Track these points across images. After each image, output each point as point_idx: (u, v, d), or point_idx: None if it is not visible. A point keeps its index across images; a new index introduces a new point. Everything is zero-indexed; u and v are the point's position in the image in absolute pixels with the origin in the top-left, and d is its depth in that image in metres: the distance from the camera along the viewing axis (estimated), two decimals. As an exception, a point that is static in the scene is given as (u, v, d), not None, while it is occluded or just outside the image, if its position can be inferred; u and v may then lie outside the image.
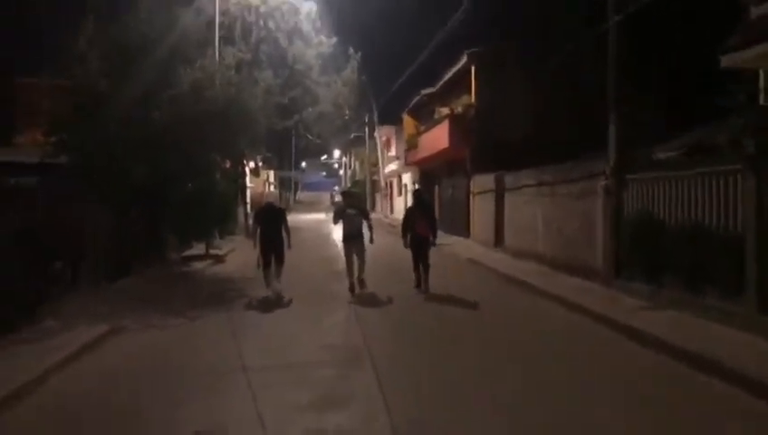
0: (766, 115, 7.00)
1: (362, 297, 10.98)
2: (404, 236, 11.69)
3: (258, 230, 11.17)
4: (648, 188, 9.80)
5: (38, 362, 6.50)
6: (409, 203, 36.25)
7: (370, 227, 11.62)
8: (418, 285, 11.59)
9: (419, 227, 11.44)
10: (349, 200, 12.25)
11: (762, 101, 9.15)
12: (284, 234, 11.16)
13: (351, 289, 11.37)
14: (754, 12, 7.82)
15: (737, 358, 6.15)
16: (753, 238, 7.15)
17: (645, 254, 9.75)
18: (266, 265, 11.07)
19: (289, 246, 11.26)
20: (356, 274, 11.40)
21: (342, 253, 11.74)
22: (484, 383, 6.09)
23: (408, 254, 11.79)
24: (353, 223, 11.35)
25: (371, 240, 11.57)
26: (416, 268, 11.69)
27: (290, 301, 10.72)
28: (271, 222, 11.10)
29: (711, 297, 8.03)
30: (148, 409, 5.46)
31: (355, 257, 11.38)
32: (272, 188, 46.63)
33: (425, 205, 12.27)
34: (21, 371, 6.20)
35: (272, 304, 10.54)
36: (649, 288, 9.47)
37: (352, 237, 11.35)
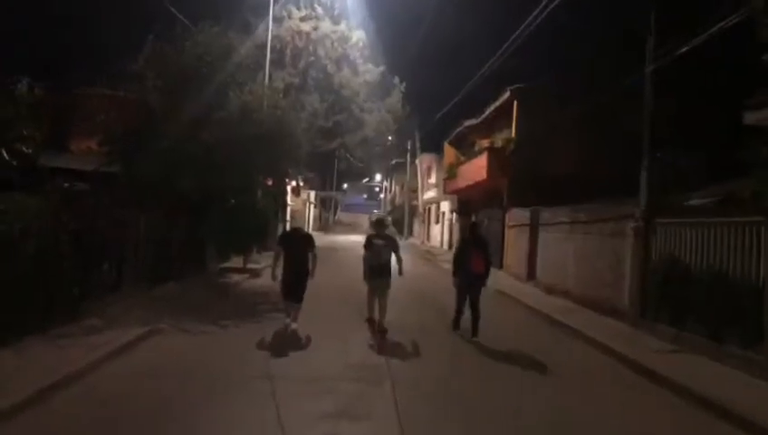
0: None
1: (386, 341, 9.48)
2: (455, 272, 10.23)
3: (282, 257, 9.80)
4: (676, 234, 9.95)
5: (80, 357, 6.98)
6: (448, 231, 36.44)
7: (399, 259, 10.28)
8: (457, 327, 10.33)
9: (474, 264, 9.98)
10: (379, 229, 10.65)
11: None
12: (311, 262, 9.74)
13: (372, 331, 9.99)
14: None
15: (750, 405, 6.27)
16: (773, 289, 7.26)
17: (670, 296, 9.86)
18: (286, 296, 9.65)
19: (312, 276, 9.73)
20: (377, 316, 10.07)
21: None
22: (499, 403, 6.31)
23: (446, 286, 10.86)
24: (380, 255, 9.99)
25: (400, 272, 10.22)
26: (459, 309, 10.31)
27: (308, 339, 9.25)
28: (296, 248, 9.75)
29: (732, 344, 8.12)
30: (176, 407, 5.88)
31: (378, 297, 10.10)
32: (312, 208, 47.45)
33: (481, 239, 10.83)
34: (63, 364, 6.67)
35: (288, 340, 9.05)
36: (673, 331, 9.56)
37: (377, 273, 10.00)
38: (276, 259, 10.01)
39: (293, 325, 9.38)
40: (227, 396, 6.26)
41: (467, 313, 10.15)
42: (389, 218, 43.99)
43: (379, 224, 10.88)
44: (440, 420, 5.97)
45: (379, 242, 10.14)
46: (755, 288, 7.66)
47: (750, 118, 7.91)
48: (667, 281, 9.95)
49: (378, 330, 9.83)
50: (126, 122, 13.46)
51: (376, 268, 10.02)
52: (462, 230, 30.52)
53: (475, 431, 5.71)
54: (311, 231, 46.39)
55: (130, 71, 13.09)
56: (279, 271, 9.81)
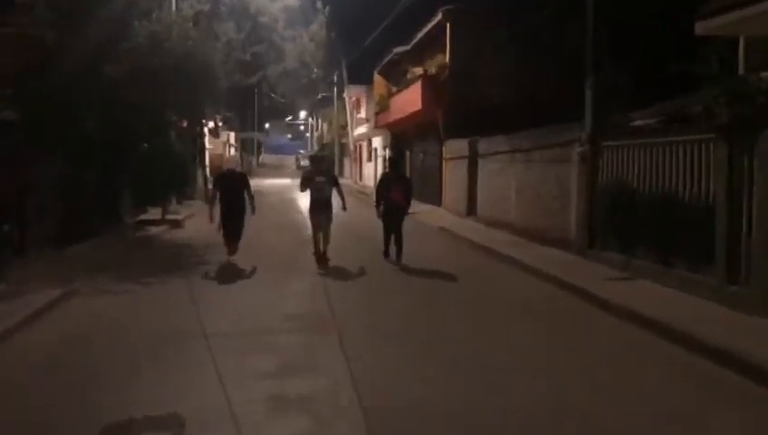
0: (741, 84, 7.30)
1: (330, 268, 10.98)
2: (377, 205, 11.70)
3: (218, 197, 11.28)
4: (624, 156, 10.15)
5: (-13, 327, 6.59)
6: (381, 169, 36.41)
7: (341, 194, 11.47)
8: (387, 255, 11.74)
9: (394, 196, 11.48)
10: (317, 165, 11.90)
11: (741, 70, 9.50)
12: (247, 201, 11.30)
13: (318, 260, 11.18)
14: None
15: (696, 326, 6.57)
16: (723, 209, 7.53)
17: (618, 223, 10.15)
18: (227, 235, 11.25)
19: (252, 212, 11.44)
20: (321, 243, 11.24)
21: (308, 220, 11.60)
22: (450, 348, 6.42)
23: (380, 223, 11.84)
24: (322, 191, 11.05)
25: (344, 207, 11.71)
26: (387, 238, 11.77)
27: (253, 269, 10.82)
28: (232, 189, 11.21)
29: (681, 268, 8.45)
30: (101, 376, 5.58)
31: (321, 228, 11.20)
32: (233, 150, 46.34)
33: (400, 172, 12.14)
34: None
35: (233, 272, 10.68)
36: (622, 258, 9.89)
37: (320, 206, 11.08)
38: (213, 200, 11.41)
39: (232, 258, 11.17)
40: (159, 359, 6.04)
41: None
42: (326, 153, 43.58)
43: (318, 159, 12.28)
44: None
45: (319, 178, 11.07)
46: (705, 209, 7.93)
47: (702, 27, 8.00)
48: (615, 207, 10.20)
49: (322, 257, 11.13)
50: (16, 61, 12.51)
51: (316, 203, 11.05)
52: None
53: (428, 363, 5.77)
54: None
55: (17, 1, 12.10)
56: (216, 212, 11.19)
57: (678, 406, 4.98)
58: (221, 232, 11.28)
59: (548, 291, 9.44)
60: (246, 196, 11.28)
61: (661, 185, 9.02)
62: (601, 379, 5.58)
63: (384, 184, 11.84)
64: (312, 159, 13.10)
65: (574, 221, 11.60)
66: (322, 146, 58.08)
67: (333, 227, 11.40)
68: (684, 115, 9.44)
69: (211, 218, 11.31)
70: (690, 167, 8.33)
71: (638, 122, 10.83)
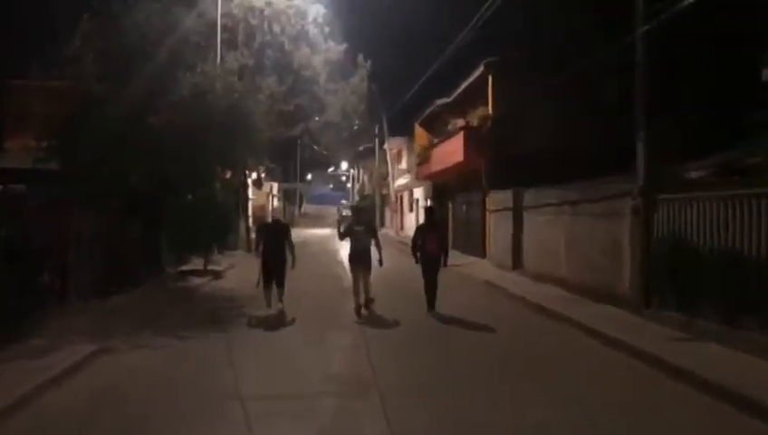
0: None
1: (369, 320, 10.92)
2: (414, 253, 11.91)
3: (261, 246, 11.35)
4: (680, 210, 9.65)
5: (20, 384, 6.39)
6: (421, 220, 36.22)
7: (378, 246, 11.58)
8: (432, 308, 11.63)
9: (429, 246, 11.64)
10: (358, 217, 12.44)
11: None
12: (288, 252, 11.29)
13: (357, 311, 11.28)
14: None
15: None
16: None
17: (677, 280, 9.59)
18: (267, 284, 11.19)
19: (293, 266, 11.40)
20: (362, 294, 11.33)
21: (348, 271, 11.77)
22: (500, 417, 5.94)
23: (419, 274, 11.83)
24: (361, 241, 11.36)
25: (380, 262, 11.55)
26: (427, 290, 11.73)
27: (293, 320, 10.75)
28: (274, 239, 11.28)
29: (749, 329, 7.85)
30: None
31: (361, 278, 11.34)
32: (275, 201, 46.80)
33: (436, 223, 12.52)
34: (2, 392, 6.09)
35: (273, 323, 10.55)
36: (683, 318, 9.30)
37: (359, 257, 11.34)
38: (257, 246, 11.71)
39: (279, 304, 11.05)
40: (194, 421, 5.73)
41: None
42: (368, 204, 43.61)
43: (358, 211, 12.97)
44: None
45: (359, 229, 11.45)
46: (773, 267, 7.39)
47: (769, 76, 7.63)
48: (673, 263, 9.67)
49: (365, 302, 11.24)
50: (63, 113, 12.77)
51: (355, 253, 11.35)
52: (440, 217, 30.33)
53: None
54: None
55: (66, 54, 12.39)
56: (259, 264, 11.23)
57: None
58: (259, 286, 11.26)
59: (601, 352, 8.89)
60: (288, 247, 11.29)
61: (725, 241, 8.49)
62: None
63: (419, 234, 12.02)
64: (354, 209, 13.68)
65: (628, 277, 11.04)
66: (364, 197, 58.37)
67: (376, 278, 11.56)
68: (742, 167, 8.98)
69: (257, 254, 11.52)
70: (757, 221, 7.81)
71: (692, 174, 10.36)
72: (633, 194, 10.87)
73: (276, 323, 10.60)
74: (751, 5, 7.88)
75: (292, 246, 11.38)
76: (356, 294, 11.38)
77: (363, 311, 11.28)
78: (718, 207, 8.66)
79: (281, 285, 11.20)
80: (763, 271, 7.62)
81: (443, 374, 7.73)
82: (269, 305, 11.17)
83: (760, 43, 8.04)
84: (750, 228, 7.97)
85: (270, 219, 13.08)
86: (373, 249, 11.46)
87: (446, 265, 11.96)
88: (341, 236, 11.93)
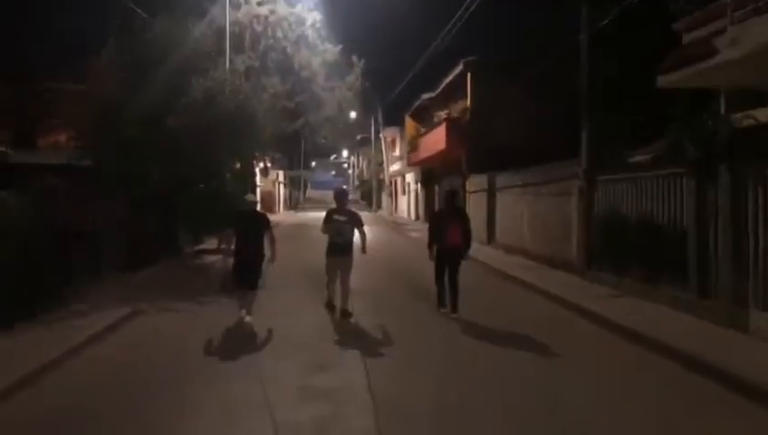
0: (702, 126, 7.78)
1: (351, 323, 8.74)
2: (430, 245, 9.27)
3: (234, 240, 8.64)
4: (616, 189, 10.63)
5: (69, 338, 7.38)
6: (413, 201, 36.69)
7: (363, 235, 9.23)
8: (442, 305, 9.28)
9: (451, 237, 8.98)
10: (340, 202, 9.38)
11: (722, 111, 9.93)
12: (267, 246, 8.72)
13: (329, 306, 9.39)
14: (685, 38, 8.67)
15: (669, 334, 7.01)
16: (694, 234, 7.98)
17: (611, 247, 10.59)
18: (239, 283, 8.63)
19: (272, 260, 8.78)
20: (338, 298, 9.17)
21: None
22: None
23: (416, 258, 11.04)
24: (342, 234, 8.98)
25: (363, 249, 9.32)
26: (440, 285, 9.30)
27: (269, 332, 8.19)
28: (249, 231, 8.63)
29: (664, 285, 8.86)
30: (167, 376, 6.35)
31: (339, 277, 9.12)
32: (281, 187, 47.61)
33: (458, 208, 9.99)
34: (54, 344, 7.06)
35: (238, 341, 7.85)
36: (615, 278, 10.30)
37: (339, 251, 8.97)
38: (228, 243, 8.74)
39: (247, 318, 8.28)
40: (212, 368, 6.72)
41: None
42: (347, 188, 44.21)
43: (339, 195, 9.52)
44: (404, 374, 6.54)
45: (340, 217, 9.04)
46: (681, 234, 8.37)
47: (662, 81, 8.52)
48: (609, 233, 10.66)
49: (340, 315, 8.92)
50: (92, 116, 13.63)
51: (337, 246, 8.97)
52: (427, 200, 31.18)
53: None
54: (281, 210, 46.70)
55: (95, 66, 13.24)
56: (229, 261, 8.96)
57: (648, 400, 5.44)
58: (223, 283, 9.67)
59: (550, 307, 9.92)
60: (267, 239, 8.73)
61: (646, 214, 9.47)
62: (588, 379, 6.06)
63: (439, 221, 9.32)
64: (337, 193, 9.65)
65: (575, 246, 12.04)
66: (360, 183, 59.02)
67: (374, 262, 9.85)
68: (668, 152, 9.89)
69: (222, 255, 9.34)
70: (667, 197, 8.79)
71: (635, 159, 11.31)
72: (578, 176, 11.84)
73: (242, 341, 7.84)
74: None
75: (273, 239, 8.76)
76: (330, 289, 9.36)
77: (335, 314, 9.14)
78: (642, 186, 9.64)
79: (254, 287, 8.57)
80: (673, 237, 8.60)
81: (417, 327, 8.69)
82: (241, 309, 8.42)
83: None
84: (664, 203, 8.95)
85: (245, 207, 9.46)
86: (356, 237, 9.19)
87: (466, 257, 9.35)
88: (324, 229, 9.21)
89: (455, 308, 8.97)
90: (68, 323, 8.19)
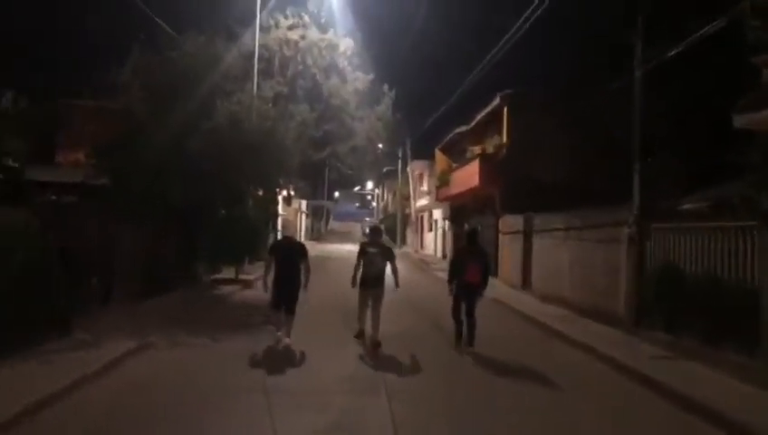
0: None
1: (381, 356, 9.14)
2: (450, 281, 9.94)
3: (273, 267, 9.51)
4: (671, 239, 10.01)
5: (69, 373, 6.93)
6: (440, 238, 36.42)
7: (395, 269, 9.88)
8: (460, 338, 9.78)
9: (470, 274, 9.66)
10: (373, 237, 10.33)
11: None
12: (303, 274, 9.49)
13: (359, 336, 9.84)
14: (766, 74, 8.11)
15: (741, 411, 6.32)
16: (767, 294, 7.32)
17: (665, 303, 9.91)
18: (277, 307, 9.50)
19: (305, 287, 9.52)
20: (369, 329, 9.71)
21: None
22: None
23: (438, 295, 10.88)
24: (375, 265, 9.59)
25: (396, 284, 9.95)
26: (458, 322, 9.82)
27: (302, 356, 8.86)
28: (287, 259, 9.48)
29: (727, 350, 8.15)
30: (169, 422, 5.85)
31: (370, 307, 9.72)
32: (304, 217, 47.42)
33: (479, 247, 10.46)
34: (50, 380, 6.62)
35: (277, 358, 8.77)
36: (669, 338, 9.60)
37: (371, 283, 9.58)
38: (268, 269, 9.66)
39: (286, 340, 9.19)
40: (221, 410, 6.23)
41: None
42: (383, 226, 43.96)
43: (373, 232, 10.56)
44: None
45: (373, 250, 9.70)
46: (750, 293, 7.71)
47: (739, 121, 7.95)
48: (662, 287, 9.98)
49: (371, 345, 9.43)
50: (113, 134, 13.46)
51: (369, 278, 9.56)
52: (455, 238, 30.60)
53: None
54: (303, 241, 46.43)
55: (117, 82, 13.10)
56: (270, 281, 9.54)
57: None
58: (270, 304, 9.71)
59: (594, 365, 9.23)
60: (303, 267, 9.50)
61: (708, 268, 8.82)
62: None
63: (459, 260, 10.04)
64: (369, 230, 10.94)
65: (623, 299, 11.36)
66: (385, 217, 58.74)
67: (390, 299, 10.08)
68: (728, 202, 9.29)
69: (265, 287, 9.76)
70: (735, 251, 8.15)
71: (686, 206, 10.70)
72: (629, 223, 11.23)
73: (281, 358, 8.72)
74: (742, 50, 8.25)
75: (308, 268, 9.55)
76: (361, 320, 9.87)
77: (365, 345, 9.59)
78: (704, 237, 9.01)
79: (290, 312, 9.41)
80: (741, 296, 7.93)
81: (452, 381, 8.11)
82: (278, 330, 9.42)
83: (732, 91, 8.42)
84: (730, 257, 8.30)
85: (281, 236, 10.77)
86: (389, 271, 9.81)
87: (482, 295, 9.99)
88: (358, 260, 9.74)
89: (471, 342, 9.64)
90: (66, 355, 7.76)
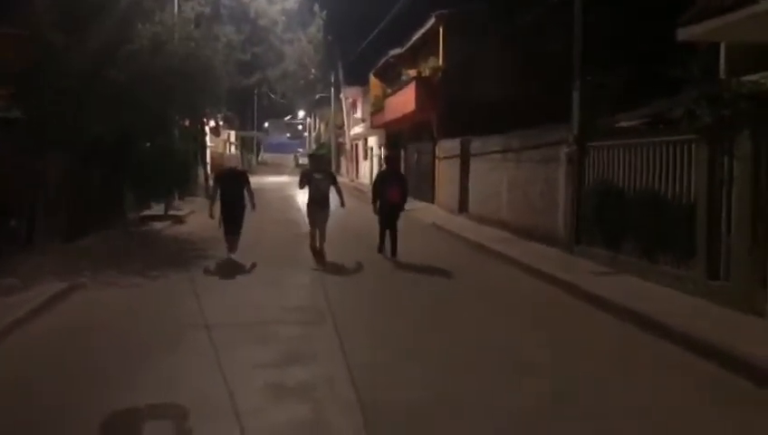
0: (721, 88, 7.34)
1: (326, 263, 11.00)
2: (374, 201, 11.73)
3: (218, 194, 11.04)
4: (609, 156, 10.20)
5: (-5, 319, 6.59)
6: (377, 167, 36.41)
7: (339, 191, 11.67)
8: (382, 250, 11.75)
9: (391, 194, 11.51)
10: (315, 164, 12.21)
11: (723, 75, 9.54)
12: (247, 198, 11.05)
13: (314, 254, 11.35)
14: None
15: (680, 317, 6.63)
16: (704, 207, 7.59)
17: (604, 220, 10.19)
18: (228, 229, 11.04)
19: (253, 209, 11.16)
20: (318, 239, 11.38)
21: (306, 217, 11.64)
22: (441, 338, 6.47)
23: (375, 220, 11.87)
24: (320, 188, 11.18)
25: (342, 204, 11.73)
26: (382, 234, 11.77)
27: (253, 265, 10.70)
28: (232, 186, 10.99)
29: (665, 263, 8.50)
30: (107, 366, 5.60)
31: (318, 223, 11.33)
32: (233, 148, 46.25)
33: (397, 170, 12.29)
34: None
35: (232, 267, 10.51)
36: (608, 254, 9.93)
37: (318, 203, 11.20)
38: (214, 197, 11.20)
39: (232, 255, 10.98)
40: (163, 350, 6.05)
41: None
42: (325, 152, 43.58)
43: (316, 158, 12.72)
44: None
45: (317, 176, 11.26)
46: (688, 206, 7.98)
47: (683, 34, 8.01)
48: (601, 205, 10.24)
49: (319, 253, 11.28)
50: (24, 62, 12.46)
51: (314, 200, 11.19)
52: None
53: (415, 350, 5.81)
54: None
55: (28, 6, 12.03)
56: (217, 209, 10.95)
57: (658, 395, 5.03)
58: (221, 228, 11.07)
59: (535, 285, 9.51)
60: (247, 193, 11.05)
61: (646, 184, 9.06)
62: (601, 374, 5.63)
63: (380, 181, 11.88)
64: (312, 157, 13.32)
65: (562, 218, 11.65)
66: (320, 145, 58.05)
67: (331, 223, 11.60)
68: (667, 117, 9.48)
69: (211, 215, 11.07)
70: (674, 166, 8.37)
71: (623, 124, 10.87)
72: (568, 142, 11.38)
73: (233, 269, 10.39)
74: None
75: (252, 193, 11.15)
76: (312, 237, 11.43)
77: (319, 255, 11.29)
78: (641, 154, 9.19)
79: (237, 233, 11.09)
80: (678, 210, 8.22)
81: (389, 303, 8.23)
82: (230, 250, 11.06)
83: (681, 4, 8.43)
84: (668, 172, 8.53)
85: (226, 166, 12.24)
86: (332, 194, 11.39)
87: (403, 210, 11.97)
88: (301, 185, 11.55)
89: (394, 252, 11.48)
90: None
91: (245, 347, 6.19)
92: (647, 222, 8.95)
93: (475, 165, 17.79)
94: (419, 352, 6.09)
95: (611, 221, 9.95)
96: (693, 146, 7.89)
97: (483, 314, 7.75)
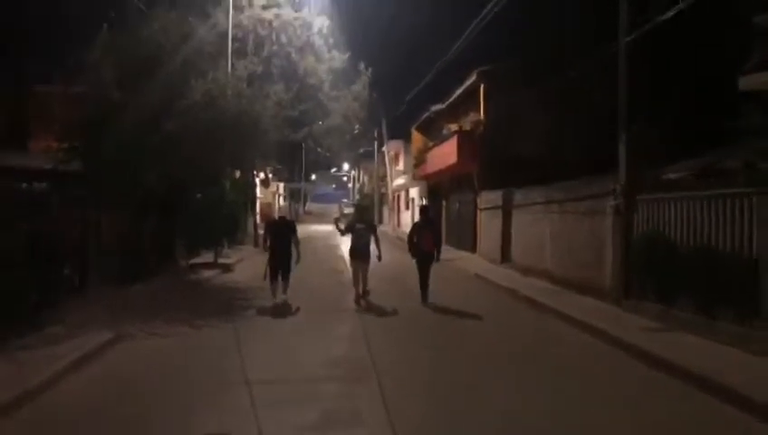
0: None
1: (368, 308, 11.08)
2: (410, 249, 11.97)
3: (269, 242, 11.32)
4: (659, 209, 9.58)
5: (41, 370, 6.30)
6: (416, 218, 36.05)
7: (377, 243, 11.76)
8: (425, 300, 11.56)
9: (424, 243, 11.66)
10: (359, 215, 12.83)
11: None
12: (293, 247, 11.24)
13: (357, 301, 11.45)
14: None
15: (744, 380, 5.92)
16: (769, 263, 6.92)
17: (655, 274, 9.51)
18: (273, 278, 11.19)
19: (297, 261, 11.36)
20: (361, 285, 11.54)
21: (348, 265, 11.86)
22: (487, 397, 5.87)
23: (415, 268, 11.88)
24: (362, 238, 11.51)
25: (379, 257, 11.71)
26: (422, 283, 11.71)
27: (297, 309, 10.78)
28: (281, 235, 11.24)
29: (724, 320, 7.77)
30: (148, 419, 5.26)
31: (360, 271, 11.54)
32: (281, 199, 46.65)
33: (431, 220, 12.71)
34: (23, 377, 6.00)
35: (278, 312, 10.54)
36: (660, 308, 9.22)
37: (359, 252, 11.48)
38: (265, 241, 11.52)
39: (284, 296, 11.15)
40: (204, 408, 5.64)
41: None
42: (368, 203, 43.60)
43: (360, 209, 13.77)
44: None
45: (360, 226, 11.68)
46: (747, 262, 7.31)
47: (744, 83, 7.48)
48: (652, 258, 9.57)
49: (363, 294, 11.49)
50: (84, 117, 12.61)
51: (355, 249, 11.52)
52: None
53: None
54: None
55: (86, 62, 12.22)
56: (267, 248, 11.26)
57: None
58: (266, 279, 11.26)
59: (583, 339, 8.82)
60: (293, 243, 11.25)
61: (700, 237, 8.40)
62: None
63: (415, 231, 12.11)
64: (356, 208, 14.32)
65: (609, 271, 10.97)
66: (364, 196, 58.20)
67: (373, 270, 11.75)
68: (719, 169, 8.88)
69: (265, 246, 11.41)
70: (731, 220, 7.72)
71: (670, 176, 10.27)
72: (615, 194, 10.79)
73: (282, 312, 10.56)
74: (730, 17, 7.76)
75: (297, 242, 11.37)
76: (356, 284, 11.55)
77: (362, 301, 11.41)
78: (694, 206, 8.58)
79: (286, 278, 11.25)
80: (736, 266, 7.54)
81: (437, 357, 7.66)
82: (275, 296, 11.16)
83: (739, 52, 7.89)
84: (724, 226, 7.89)
85: (277, 217, 12.78)
86: (372, 245, 11.59)
87: (438, 259, 11.92)
88: (343, 233, 11.98)
89: (425, 296, 11.51)
90: (36, 351, 7.06)
91: (287, 406, 5.72)
92: (702, 277, 8.26)
93: (517, 216, 17.23)
94: (473, 419, 5.51)
95: (663, 275, 9.27)
96: (753, 199, 7.25)
97: (538, 374, 7.05)
